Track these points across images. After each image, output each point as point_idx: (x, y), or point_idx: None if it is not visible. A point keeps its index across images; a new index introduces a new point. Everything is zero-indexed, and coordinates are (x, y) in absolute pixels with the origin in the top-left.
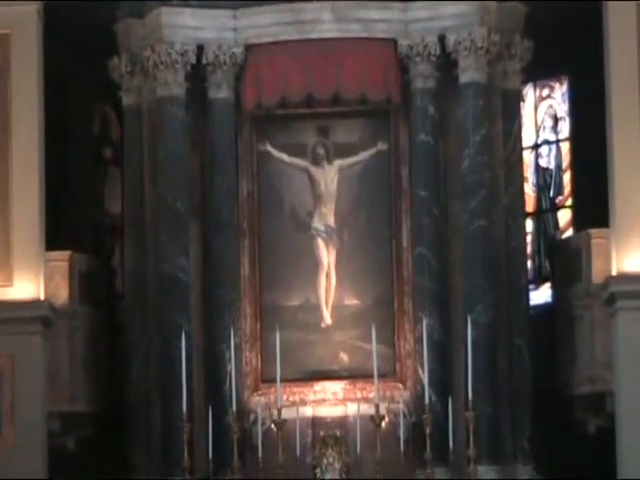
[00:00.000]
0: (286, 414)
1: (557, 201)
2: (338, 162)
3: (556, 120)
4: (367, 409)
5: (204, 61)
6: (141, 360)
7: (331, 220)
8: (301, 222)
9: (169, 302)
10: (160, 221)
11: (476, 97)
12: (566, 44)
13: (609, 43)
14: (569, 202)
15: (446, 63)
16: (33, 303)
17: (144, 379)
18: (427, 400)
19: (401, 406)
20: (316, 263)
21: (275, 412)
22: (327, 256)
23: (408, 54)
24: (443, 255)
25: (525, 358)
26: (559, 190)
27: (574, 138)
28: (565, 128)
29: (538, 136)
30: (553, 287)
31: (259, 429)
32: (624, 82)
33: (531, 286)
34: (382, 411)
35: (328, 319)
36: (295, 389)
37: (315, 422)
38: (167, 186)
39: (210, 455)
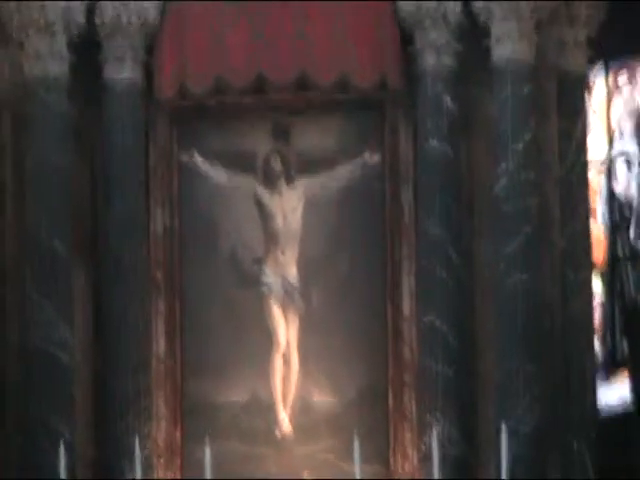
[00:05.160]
0: None
1: None
2: (303, 182)
3: None
4: None
5: (97, 21)
6: None
7: (292, 272)
8: (245, 274)
9: (41, 394)
10: (28, 268)
11: (517, 83)
12: None
13: None
14: None
15: (471, 30)
16: None
17: None
18: None
19: None
20: (268, 338)
21: None
22: (286, 327)
23: (413, 15)
24: (465, 326)
25: None
26: None
27: None
28: None
29: (612, 145)
30: (633, 379)
31: None
32: None
33: (600, 375)
34: None
35: (286, 424)
36: None
37: None
38: (39, 214)
39: None
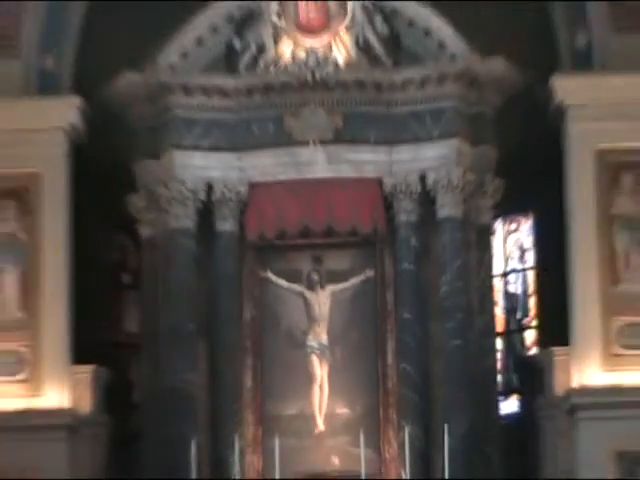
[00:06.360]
0: None
1: (524, 322)
2: (330, 287)
3: (523, 251)
4: None
5: (212, 197)
6: (153, 469)
7: (324, 338)
8: (297, 340)
9: (175, 414)
10: (172, 340)
11: (453, 230)
12: (532, 183)
13: (570, 184)
14: (534, 323)
15: (426, 200)
16: (59, 411)
17: None
18: None
19: None
20: (310, 376)
21: None
22: (320, 370)
23: (392, 192)
24: (424, 371)
25: (493, 466)
26: (525, 313)
27: (539, 267)
28: (530, 258)
29: (507, 265)
30: (520, 399)
31: None
32: (583, 218)
33: (501, 398)
34: None
35: (321, 426)
36: None
37: None
38: (178, 309)
39: None
